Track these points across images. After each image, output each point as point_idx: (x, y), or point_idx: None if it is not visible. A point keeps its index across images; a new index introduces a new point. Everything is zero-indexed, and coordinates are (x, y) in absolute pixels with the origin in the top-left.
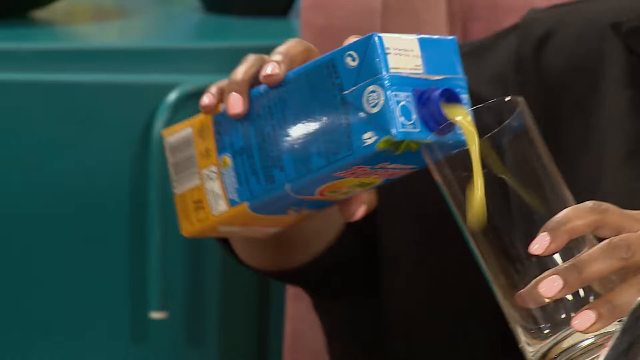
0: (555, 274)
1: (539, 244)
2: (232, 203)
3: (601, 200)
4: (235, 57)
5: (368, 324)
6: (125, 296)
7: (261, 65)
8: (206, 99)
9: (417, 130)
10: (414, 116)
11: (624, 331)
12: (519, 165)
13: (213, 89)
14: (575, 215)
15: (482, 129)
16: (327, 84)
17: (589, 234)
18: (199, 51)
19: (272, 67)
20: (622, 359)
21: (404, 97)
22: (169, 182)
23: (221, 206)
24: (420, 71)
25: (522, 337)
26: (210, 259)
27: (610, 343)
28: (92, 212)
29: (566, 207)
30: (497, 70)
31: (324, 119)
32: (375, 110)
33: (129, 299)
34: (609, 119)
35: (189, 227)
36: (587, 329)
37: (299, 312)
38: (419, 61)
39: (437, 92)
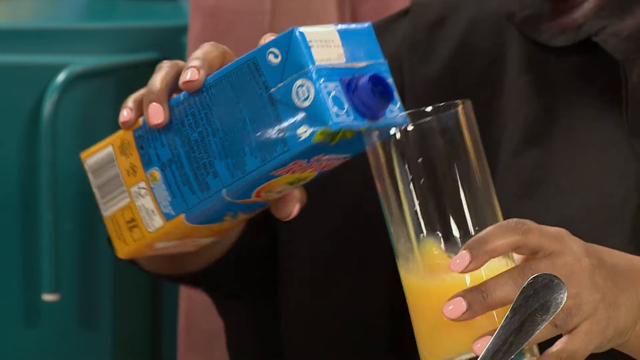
0: (462, 296)
1: (459, 263)
2: (167, 217)
3: (496, 189)
4: (124, 38)
5: (266, 327)
6: (17, 278)
7: (177, 71)
8: (124, 114)
9: (351, 118)
10: (346, 105)
11: (514, 310)
12: (452, 160)
13: (130, 103)
14: (497, 235)
15: (428, 129)
16: (251, 83)
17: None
18: (88, 32)
19: (191, 73)
20: (513, 338)
21: (333, 87)
22: (59, 163)
23: (156, 222)
24: (344, 60)
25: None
26: (103, 240)
27: (501, 323)
28: None
29: (490, 215)
30: (392, 52)
31: (253, 119)
32: (306, 104)
33: (20, 280)
34: (509, 103)
35: (123, 247)
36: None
37: (193, 292)
38: (341, 51)
39: (366, 79)
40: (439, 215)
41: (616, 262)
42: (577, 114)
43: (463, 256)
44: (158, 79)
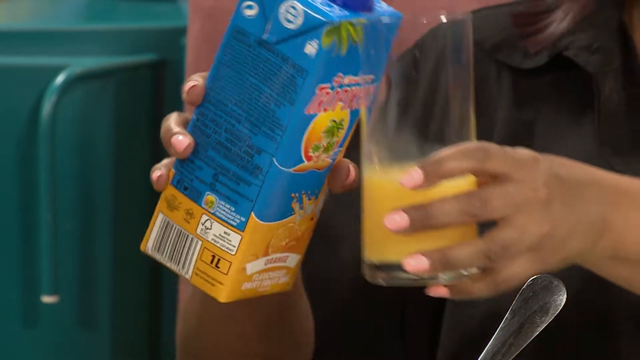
0: (406, 212)
1: (410, 180)
2: (240, 227)
3: None
4: (124, 40)
5: None
6: (16, 280)
7: (181, 114)
8: (156, 173)
9: (346, 13)
10: (335, 6)
11: (514, 312)
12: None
13: (157, 165)
14: (454, 158)
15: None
16: (244, 50)
17: None
18: (87, 33)
19: (191, 82)
20: (512, 339)
21: None
22: (58, 164)
23: (234, 239)
24: None
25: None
26: (102, 242)
27: (500, 324)
28: None
29: (465, 133)
30: None
31: (264, 78)
32: (299, 20)
33: (20, 282)
34: (488, 128)
35: (221, 289)
36: (416, 272)
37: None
38: None
39: None
40: (414, 118)
41: (582, 181)
42: (553, 129)
43: (416, 174)
44: (169, 122)
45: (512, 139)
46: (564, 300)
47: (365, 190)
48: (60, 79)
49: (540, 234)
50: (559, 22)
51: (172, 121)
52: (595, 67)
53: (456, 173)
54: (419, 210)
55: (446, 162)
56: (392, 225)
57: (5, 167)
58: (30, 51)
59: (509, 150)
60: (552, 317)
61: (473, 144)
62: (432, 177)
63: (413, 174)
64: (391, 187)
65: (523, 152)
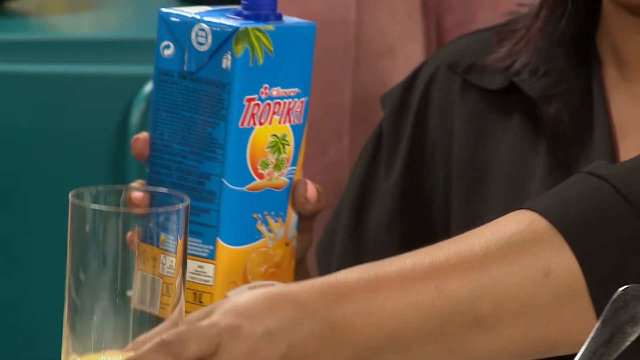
0: None
1: None
2: (211, 255)
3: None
4: None
5: None
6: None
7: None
8: (128, 234)
9: (252, 21)
10: (240, 18)
11: (604, 322)
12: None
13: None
14: (150, 355)
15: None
16: (172, 89)
17: None
18: None
19: (135, 136)
20: (603, 349)
21: (220, 15)
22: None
23: (209, 270)
24: (214, 9)
25: None
26: None
27: (591, 334)
28: None
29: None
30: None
31: (196, 108)
32: (209, 39)
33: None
34: (456, 149)
35: None
36: None
37: None
38: (209, 8)
39: None
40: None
41: (297, 322)
42: (514, 152)
43: None
44: (131, 184)
45: (474, 166)
46: None
47: None
48: (148, 87)
49: None
50: (517, 41)
51: (134, 183)
52: (537, 93)
53: None
54: None
55: None
56: None
57: (96, 175)
58: (118, 60)
59: (206, 328)
60: None
61: (165, 339)
62: None
63: None
64: None
65: (223, 327)
